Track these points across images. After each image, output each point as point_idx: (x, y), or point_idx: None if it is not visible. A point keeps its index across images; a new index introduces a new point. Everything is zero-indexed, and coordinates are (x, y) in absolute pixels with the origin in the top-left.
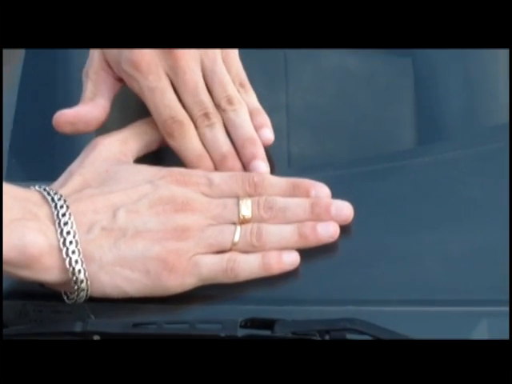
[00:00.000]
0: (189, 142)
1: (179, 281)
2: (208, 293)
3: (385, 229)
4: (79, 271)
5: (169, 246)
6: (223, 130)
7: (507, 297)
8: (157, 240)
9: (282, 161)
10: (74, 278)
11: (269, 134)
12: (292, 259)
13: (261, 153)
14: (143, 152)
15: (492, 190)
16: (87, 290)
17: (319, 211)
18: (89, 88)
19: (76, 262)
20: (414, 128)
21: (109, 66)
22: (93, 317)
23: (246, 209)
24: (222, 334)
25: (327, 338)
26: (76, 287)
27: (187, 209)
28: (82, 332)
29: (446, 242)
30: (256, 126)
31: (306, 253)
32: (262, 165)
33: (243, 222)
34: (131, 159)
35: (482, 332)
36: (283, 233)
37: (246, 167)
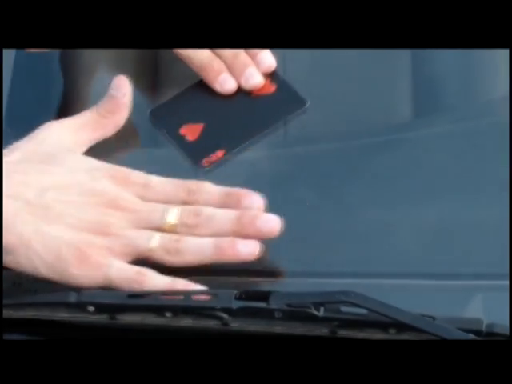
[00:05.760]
0: None
1: (86, 273)
2: (204, 265)
3: (383, 202)
4: None
5: (86, 238)
6: None
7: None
8: (77, 228)
9: (277, 133)
10: None
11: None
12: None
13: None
14: (93, 142)
15: (490, 163)
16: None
17: (244, 223)
18: None
19: None
20: (412, 100)
21: None
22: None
23: (173, 215)
24: (217, 306)
25: (322, 310)
26: None
27: (114, 206)
28: (77, 302)
29: (444, 215)
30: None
31: (303, 226)
32: (268, 56)
33: (168, 229)
34: (79, 148)
35: (476, 307)
36: (201, 244)
37: (253, 60)
